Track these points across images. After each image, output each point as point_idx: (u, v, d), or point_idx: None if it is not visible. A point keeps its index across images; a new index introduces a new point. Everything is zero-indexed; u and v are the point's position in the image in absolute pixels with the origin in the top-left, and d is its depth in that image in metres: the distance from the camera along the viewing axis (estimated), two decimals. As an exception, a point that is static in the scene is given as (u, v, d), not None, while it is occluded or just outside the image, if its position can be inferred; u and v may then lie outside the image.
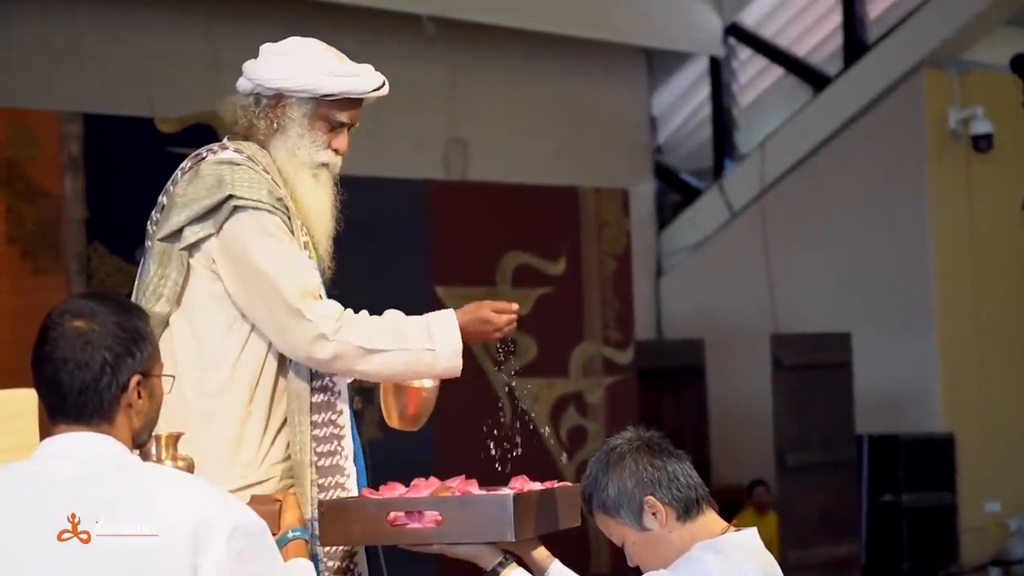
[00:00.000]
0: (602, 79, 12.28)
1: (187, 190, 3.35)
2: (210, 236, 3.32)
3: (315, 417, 3.36)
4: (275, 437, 3.36)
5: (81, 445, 2.35)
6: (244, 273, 3.31)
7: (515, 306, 3.45)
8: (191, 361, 3.29)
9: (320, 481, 3.33)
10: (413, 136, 10.72)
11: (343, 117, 3.46)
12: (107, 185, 7.66)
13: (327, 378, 3.37)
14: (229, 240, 3.32)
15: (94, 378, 2.35)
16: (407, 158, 10.44)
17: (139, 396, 2.40)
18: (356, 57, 3.54)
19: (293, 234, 3.37)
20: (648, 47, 12.47)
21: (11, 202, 7.46)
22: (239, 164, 3.36)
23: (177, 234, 3.34)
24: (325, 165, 3.47)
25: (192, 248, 3.34)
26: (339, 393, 3.40)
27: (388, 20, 10.47)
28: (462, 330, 3.36)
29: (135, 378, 2.39)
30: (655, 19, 11.96)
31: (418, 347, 3.33)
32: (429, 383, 3.52)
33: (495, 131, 11.46)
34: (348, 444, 3.38)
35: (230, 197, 3.30)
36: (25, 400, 2.99)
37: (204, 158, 3.39)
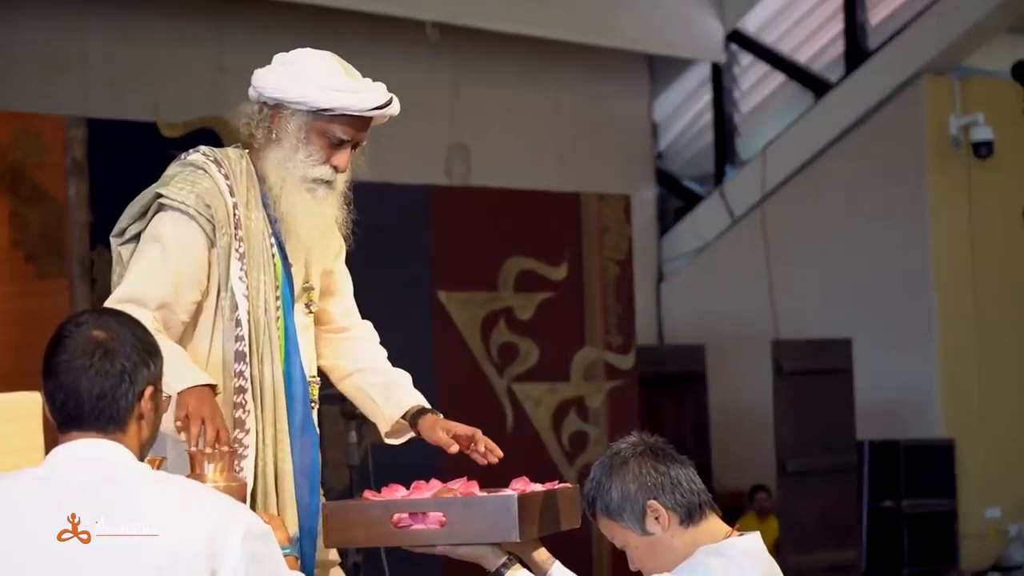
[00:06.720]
0: (604, 85, 12.28)
1: (146, 190, 3.34)
2: (142, 232, 3.31)
3: (236, 413, 3.26)
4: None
5: (94, 451, 2.37)
6: None
7: (224, 439, 3.03)
8: None
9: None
10: (416, 142, 10.72)
11: (342, 134, 3.34)
12: (111, 189, 7.61)
13: (242, 367, 3.26)
14: None
15: (112, 385, 2.37)
16: (410, 164, 10.43)
17: (151, 407, 2.43)
18: (360, 63, 3.48)
19: (214, 245, 3.26)
20: (650, 53, 12.47)
21: (15, 206, 7.46)
22: (198, 167, 3.31)
23: (123, 231, 3.34)
24: (324, 181, 3.36)
25: (133, 243, 3.32)
26: (247, 391, 3.26)
27: (392, 26, 10.48)
28: (194, 388, 3.06)
29: (148, 389, 2.42)
30: (657, 25, 11.97)
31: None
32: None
33: (498, 137, 11.47)
34: (250, 445, 3.23)
35: (158, 195, 3.28)
36: (30, 403, 3.00)
37: (179, 160, 3.38)
